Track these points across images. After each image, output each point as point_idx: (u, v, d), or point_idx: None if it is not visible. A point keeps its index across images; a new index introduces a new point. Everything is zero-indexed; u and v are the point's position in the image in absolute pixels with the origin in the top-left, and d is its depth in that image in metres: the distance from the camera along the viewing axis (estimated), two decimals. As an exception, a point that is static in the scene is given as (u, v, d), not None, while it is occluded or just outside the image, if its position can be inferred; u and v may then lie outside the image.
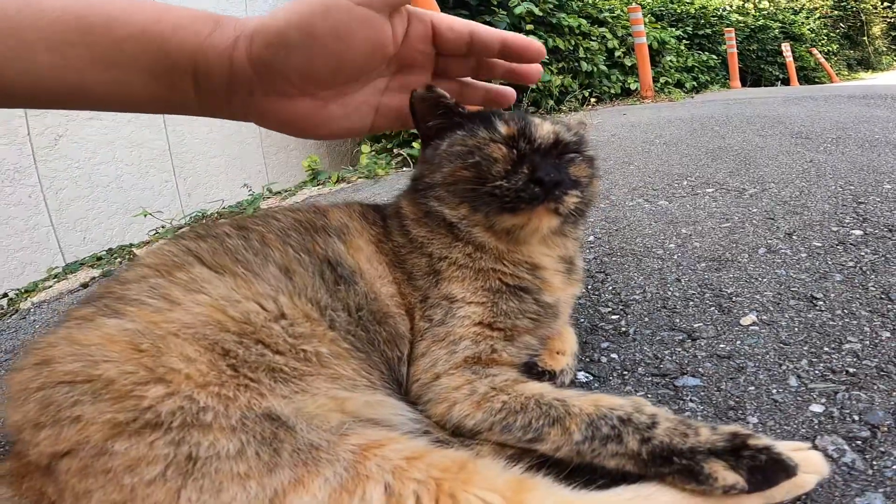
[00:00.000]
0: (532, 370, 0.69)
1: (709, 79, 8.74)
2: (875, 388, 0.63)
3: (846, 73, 15.32)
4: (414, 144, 3.39)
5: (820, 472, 0.49)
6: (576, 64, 5.51)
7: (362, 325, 0.60)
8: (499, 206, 0.63)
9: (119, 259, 2.21)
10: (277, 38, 0.58)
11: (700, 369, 0.72)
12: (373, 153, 3.41)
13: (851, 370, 0.67)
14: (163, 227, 2.48)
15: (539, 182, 0.62)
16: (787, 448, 0.48)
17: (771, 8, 12.87)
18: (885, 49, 20.07)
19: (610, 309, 0.91)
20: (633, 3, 6.91)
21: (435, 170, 0.68)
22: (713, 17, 9.72)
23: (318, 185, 3.00)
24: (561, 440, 0.53)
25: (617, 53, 6.36)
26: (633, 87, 6.40)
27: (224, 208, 2.86)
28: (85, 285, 1.90)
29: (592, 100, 5.71)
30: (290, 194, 2.97)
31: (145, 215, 2.29)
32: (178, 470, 0.42)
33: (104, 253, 2.46)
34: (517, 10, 4.47)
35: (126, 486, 0.41)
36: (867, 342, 0.72)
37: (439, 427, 0.59)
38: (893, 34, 20.44)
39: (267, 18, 0.59)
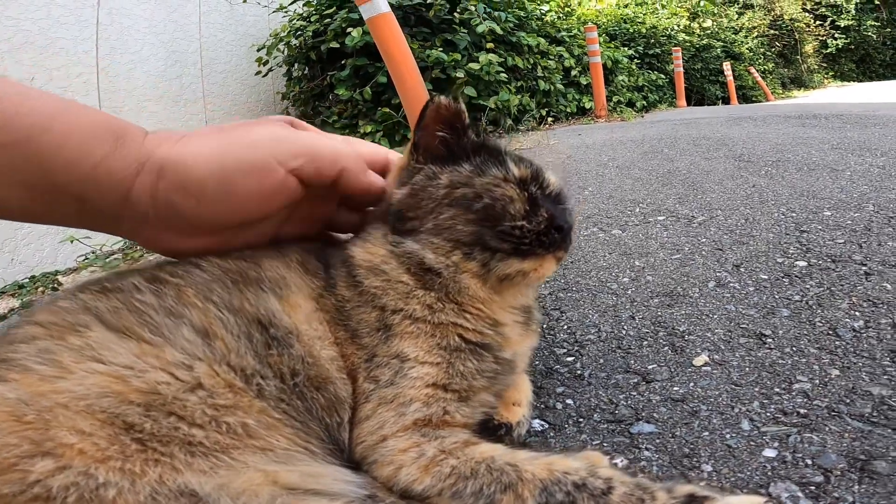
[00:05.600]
0: (487, 424, 0.66)
1: (657, 98, 9.10)
2: (826, 429, 0.63)
3: (781, 91, 16.26)
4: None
5: None
6: (534, 83, 5.62)
7: (298, 392, 0.55)
8: (512, 248, 0.61)
9: (42, 288, 2.06)
10: (193, 186, 0.53)
11: (655, 414, 0.71)
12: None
13: (802, 411, 0.67)
14: (92, 253, 2.32)
15: (559, 228, 0.61)
16: None
17: (714, 27, 13.57)
18: (816, 67, 21.45)
19: (565, 350, 0.89)
20: (589, 23, 7.15)
21: (426, 214, 0.63)
22: (662, 36, 10.16)
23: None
24: None
25: (573, 72, 6.53)
26: (587, 106, 6.58)
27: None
28: (2, 317, 1.76)
29: (549, 119, 5.82)
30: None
31: (72, 241, 2.13)
32: None
33: (27, 281, 2.29)
34: (479, 29, 4.52)
35: None
36: (816, 381, 0.73)
37: (387, 490, 0.55)
38: (824, 52, 21.90)
39: (182, 155, 0.54)
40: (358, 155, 0.64)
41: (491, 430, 0.66)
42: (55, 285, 2.04)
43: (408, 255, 0.63)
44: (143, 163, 0.53)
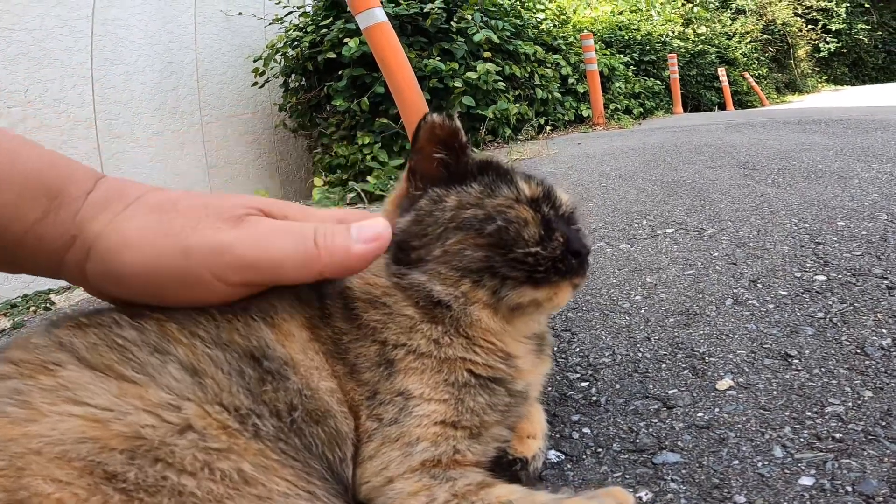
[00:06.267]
0: (501, 459, 0.62)
1: (654, 104, 9.13)
2: (865, 454, 0.59)
3: (775, 95, 16.38)
4: (369, 179, 3.31)
5: None
6: (531, 91, 5.61)
7: (296, 429, 0.50)
8: (525, 276, 0.56)
9: (34, 308, 2.00)
10: (120, 279, 0.49)
11: (679, 443, 0.67)
12: (325, 187, 3.31)
13: (838, 436, 0.63)
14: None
15: (576, 254, 0.57)
16: None
17: (708, 33, 13.67)
18: (809, 71, 21.63)
19: (579, 375, 0.85)
20: (586, 31, 7.18)
21: (433, 241, 0.58)
22: (657, 43, 10.21)
23: (267, 221, 2.85)
24: None
25: (570, 80, 6.54)
26: (585, 113, 6.58)
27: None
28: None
29: (548, 128, 5.82)
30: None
31: None
32: None
33: (19, 300, 2.23)
34: (476, 38, 4.52)
35: None
36: (850, 404, 0.69)
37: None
38: (817, 56, 22.08)
39: (113, 243, 0.49)
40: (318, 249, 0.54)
41: (505, 465, 0.62)
42: (48, 304, 1.99)
43: (415, 287, 0.58)
44: (74, 236, 0.49)
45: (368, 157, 3.99)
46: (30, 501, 0.37)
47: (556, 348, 0.94)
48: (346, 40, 4.01)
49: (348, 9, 2.92)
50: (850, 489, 0.55)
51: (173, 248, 0.49)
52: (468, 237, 0.57)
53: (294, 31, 4.72)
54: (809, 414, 0.68)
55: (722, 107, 11.36)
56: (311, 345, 0.56)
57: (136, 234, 0.49)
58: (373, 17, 2.54)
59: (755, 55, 16.92)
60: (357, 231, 0.54)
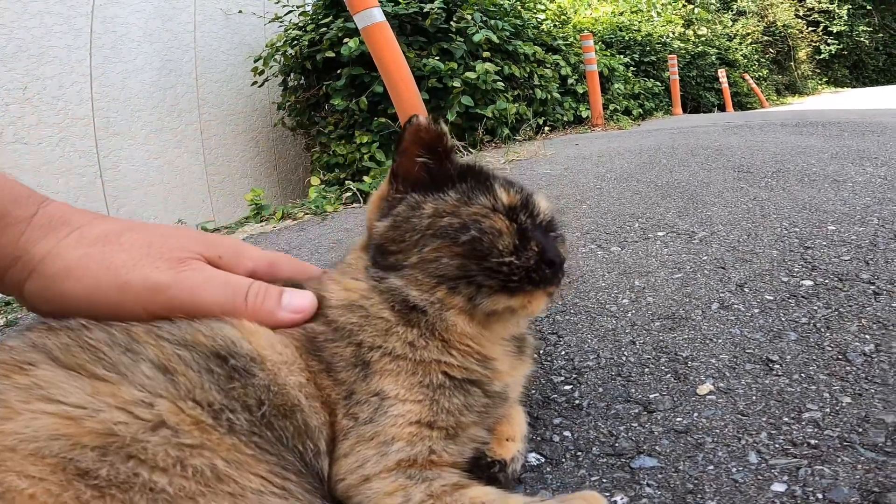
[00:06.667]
0: (479, 461, 0.62)
1: (653, 105, 9.13)
2: (838, 460, 0.60)
3: (775, 97, 16.37)
4: (366, 178, 3.31)
5: None
6: (530, 91, 5.61)
7: (266, 423, 0.51)
8: (500, 284, 0.57)
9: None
10: (59, 301, 0.53)
11: (657, 447, 0.67)
12: (322, 186, 3.31)
13: (813, 442, 0.63)
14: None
15: (550, 263, 0.58)
16: None
17: (708, 34, 13.66)
18: (810, 73, 21.60)
19: (563, 378, 0.85)
20: (585, 31, 7.17)
21: (410, 248, 0.59)
22: (658, 44, 10.20)
23: (261, 221, 2.86)
24: None
25: (570, 81, 6.54)
26: (584, 114, 6.58)
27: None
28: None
29: (546, 128, 5.81)
30: (229, 232, 2.81)
31: None
32: None
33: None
34: (475, 38, 4.52)
35: None
36: (827, 409, 0.69)
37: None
38: (818, 58, 22.06)
39: (56, 268, 0.53)
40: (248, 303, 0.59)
41: (484, 467, 0.62)
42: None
43: (392, 291, 0.59)
44: (18, 257, 0.52)
45: (366, 157, 4.00)
46: (4, 496, 0.38)
47: (541, 351, 0.94)
48: (345, 40, 4.01)
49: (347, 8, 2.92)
50: (820, 496, 0.55)
51: (112, 281, 0.53)
52: (444, 245, 0.58)
53: (293, 29, 4.72)
54: (786, 419, 0.68)
55: (721, 108, 11.36)
56: (280, 338, 0.58)
57: (77, 263, 0.52)
58: (371, 17, 2.55)
59: (755, 57, 16.91)
60: (288, 300, 0.59)
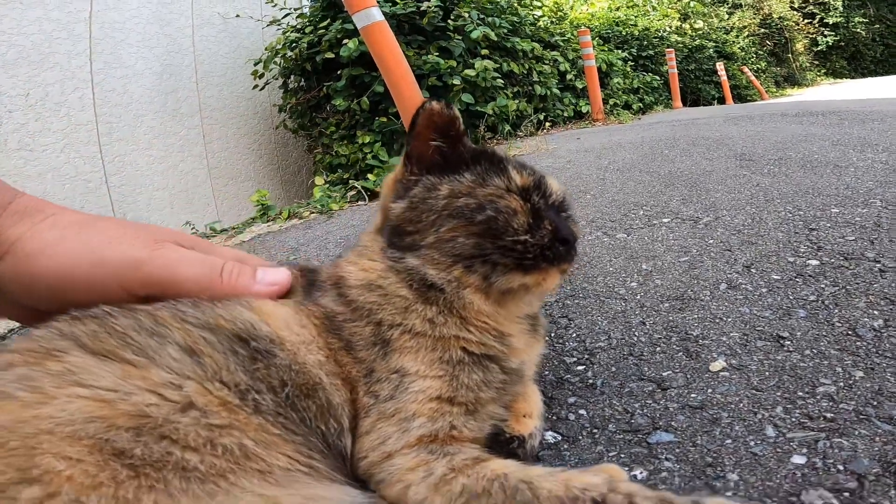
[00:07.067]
0: (498, 437, 0.63)
1: (653, 99, 9.12)
2: (856, 433, 0.60)
3: (774, 89, 16.32)
4: (370, 176, 3.32)
5: None
6: (530, 88, 5.62)
7: (290, 404, 0.53)
8: (515, 262, 0.58)
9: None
10: (35, 282, 0.54)
11: (673, 423, 0.68)
12: (326, 185, 3.33)
13: (829, 415, 0.64)
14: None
15: (564, 241, 0.59)
16: None
17: (706, 28, 13.64)
18: (808, 65, 21.56)
19: (575, 359, 0.86)
20: (583, 27, 7.17)
21: (427, 228, 0.60)
22: (655, 38, 10.20)
23: (268, 220, 2.88)
24: None
25: (569, 76, 6.54)
26: (584, 109, 6.58)
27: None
28: (2, 338, 1.72)
29: (547, 124, 5.82)
30: (237, 232, 2.82)
31: None
32: None
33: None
34: (473, 35, 4.52)
35: None
36: (841, 384, 0.70)
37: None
38: (815, 49, 22.02)
39: (34, 244, 0.54)
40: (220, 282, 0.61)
41: (502, 443, 0.63)
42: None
43: (409, 271, 0.61)
44: None
45: (369, 156, 4.01)
46: (42, 478, 0.39)
47: (553, 334, 0.95)
48: (344, 41, 4.02)
49: (345, 9, 2.93)
50: (841, 468, 0.55)
51: (88, 257, 0.54)
52: (460, 225, 0.59)
53: (292, 32, 4.73)
54: (801, 394, 0.69)
55: (721, 101, 11.34)
56: (297, 318, 0.59)
57: (53, 241, 0.54)
58: (369, 16, 2.55)
59: (753, 49, 16.89)
60: (262, 275, 0.61)
